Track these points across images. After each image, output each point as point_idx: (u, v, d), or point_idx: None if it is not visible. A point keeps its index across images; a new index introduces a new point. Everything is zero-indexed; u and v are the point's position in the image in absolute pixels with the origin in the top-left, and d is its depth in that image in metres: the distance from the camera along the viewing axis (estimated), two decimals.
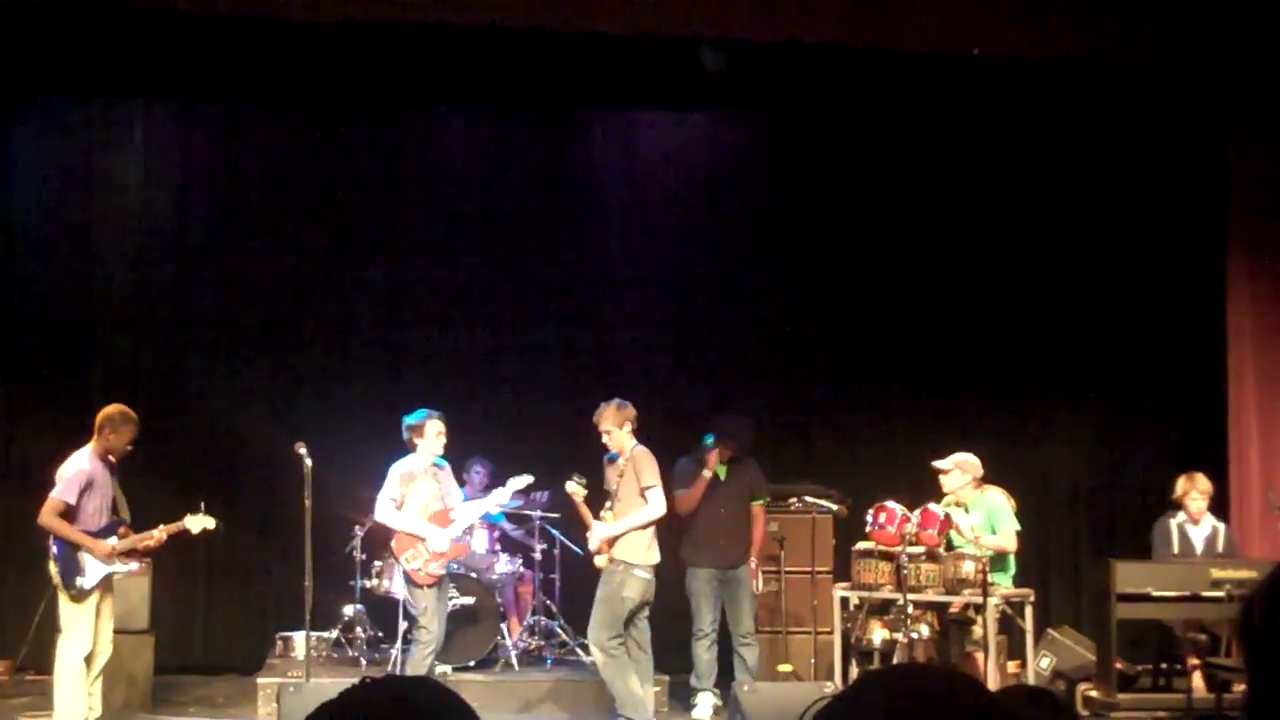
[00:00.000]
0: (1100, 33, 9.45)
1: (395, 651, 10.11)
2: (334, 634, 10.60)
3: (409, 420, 9.04)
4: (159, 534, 8.58)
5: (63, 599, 8.36)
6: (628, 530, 8.77)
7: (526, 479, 9.35)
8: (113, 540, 8.42)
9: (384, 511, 9.00)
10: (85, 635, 8.36)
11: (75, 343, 11.27)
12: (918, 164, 11.87)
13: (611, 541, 8.82)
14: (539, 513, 10.66)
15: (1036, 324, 12.00)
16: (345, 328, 11.76)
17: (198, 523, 8.71)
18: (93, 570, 8.34)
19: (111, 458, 8.53)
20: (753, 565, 9.83)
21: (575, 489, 8.94)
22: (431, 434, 8.98)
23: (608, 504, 8.92)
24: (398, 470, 8.99)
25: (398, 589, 10.25)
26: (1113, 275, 11.91)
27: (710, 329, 12.07)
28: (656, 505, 8.81)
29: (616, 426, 8.90)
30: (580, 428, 11.50)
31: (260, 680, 9.83)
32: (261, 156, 11.78)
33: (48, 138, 11.52)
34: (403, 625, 10.07)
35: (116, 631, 9.70)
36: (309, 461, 8.72)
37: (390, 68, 10.90)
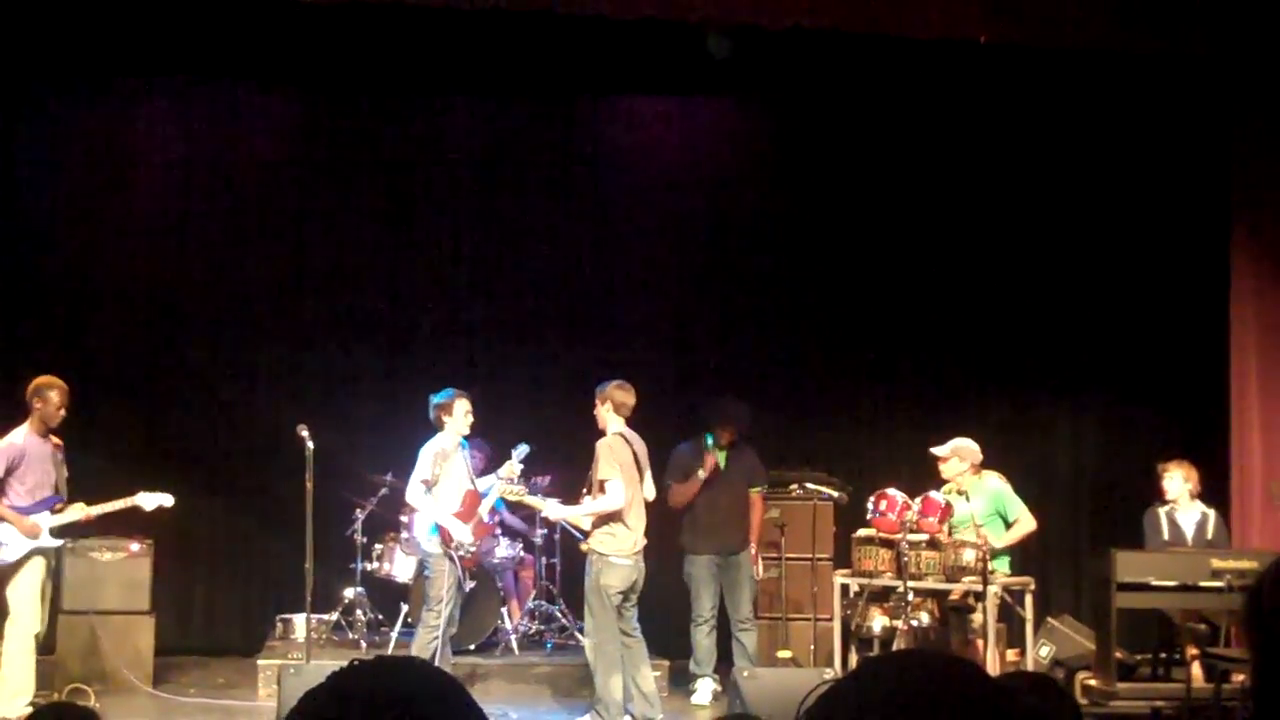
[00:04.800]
0: (1104, 22, 9.43)
1: (395, 634, 10.15)
2: (334, 616, 10.62)
3: (436, 399, 8.99)
4: (81, 515, 8.45)
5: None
6: (577, 517, 8.80)
7: (525, 447, 9.34)
8: (44, 515, 8.33)
9: (415, 495, 8.93)
10: (32, 614, 8.31)
11: (77, 323, 11.26)
12: (921, 152, 11.86)
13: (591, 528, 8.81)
14: (540, 496, 10.66)
15: (1038, 313, 11.99)
16: (348, 310, 11.76)
17: (152, 500, 8.64)
18: (15, 544, 8.26)
19: (53, 436, 8.44)
20: (752, 551, 9.85)
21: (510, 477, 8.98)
22: (460, 412, 8.95)
23: (585, 489, 8.90)
24: (430, 449, 8.91)
25: (399, 572, 10.29)
26: (1115, 264, 11.90)
27: (713, 315, 12.07)
28: (611, 498, 8.63)
29: (600, 403, 8.89)
30: (582, 412, 11.55)
31: (260, 662, 9.86)
32: (265, 138, 11.76)
33: (52, 119, 11.49)
34: (404, 608, 10.11)
35: (117, 612, 9.76)
36: (310, 444, 8.72)
37: (395, 51, 10.89)
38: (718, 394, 10.47)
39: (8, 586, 8.32)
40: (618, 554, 8.67)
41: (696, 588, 9.72)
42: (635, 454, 8.85)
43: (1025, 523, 9.40)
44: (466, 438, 9.16)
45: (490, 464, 9.88)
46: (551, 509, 9.05)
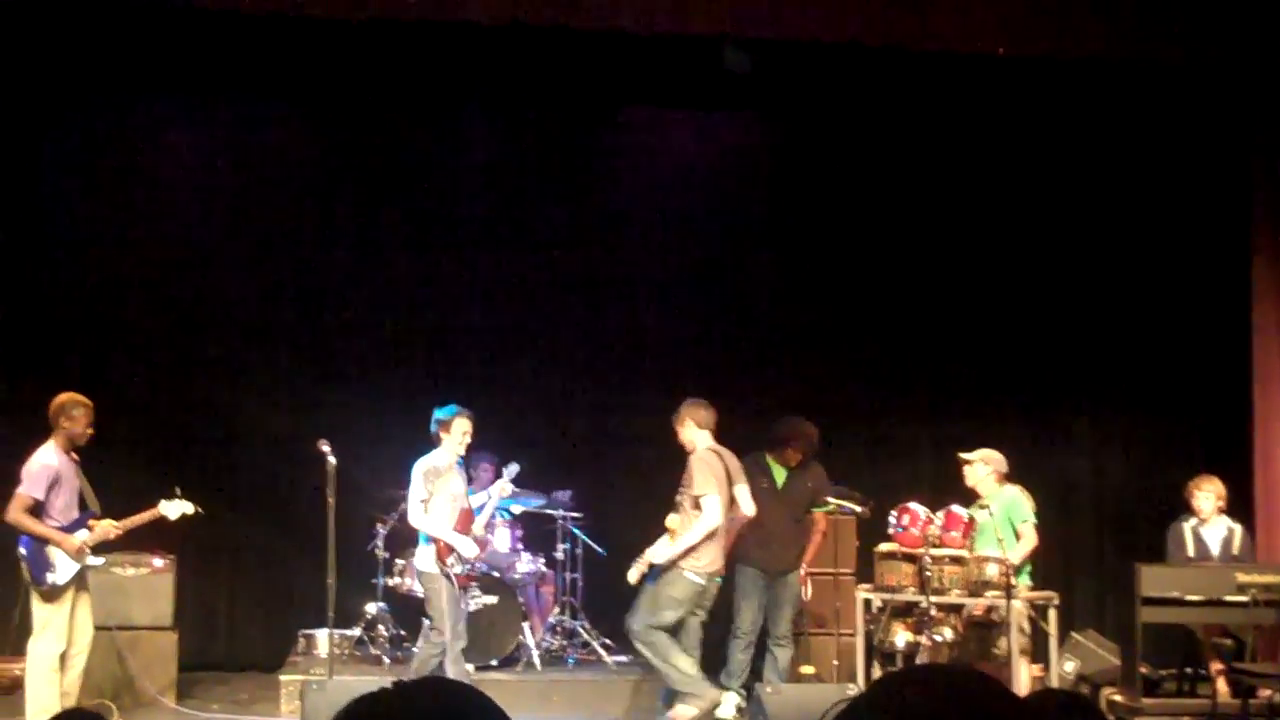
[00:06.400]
0: (1122, 32, 9.41)
1: (417, 650, 10.13)
2: (357, 632, 10.62)
3: (439, 414, 8.98)
4: (112, 531, 8.49)
5: (34, 597, 8.28)
6: (686, 549, 8.62)
7: (514, 467, 9.40)
8: (83, 534, 8.35)
9: (415, 515, 8.91)
10: (58, 633, 8.30)
11: (100, 339, 11.29)
12: (941, 165, 11.84)
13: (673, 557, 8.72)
14: (561, 512, 10.65)
15: (1060, 326, 11.96)
16: (370, 326, 11.79)
17: (175, 508, 8.63)
18: (64, 566, 8.28)
19: (73, 453, 8.46)
20: (803, 572, 9.78)
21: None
22: (458, 432, 8.92)
23: (672, 513, 8.84)
24: (421, 468, 8.91)
25: (419, 587, 10.27)
26: (1137, 277, 11.87)
27: (732, 330, 12.06)
28: (710, 515, 8.57)
29: (679, 424, 8.86)
30: (601, 424, 11.55)
31: (283, 677, 9.85)
32: (288, 155, 11.81)
33: (77, 137, 11.55)
34: (426, 624, 10.12)
35: (141, 627, 9.77)
36: (332, 459, 8.73)
37: (416, 67, 10.93)
38: (774, 413, 10.36)
39: (44, 606, 8.33)
40: (694, 570, 8.61)
41: (739, 601, 9.66)
42: (727, 469, 8.78)
43: (1027, 540, 9.36)
44: (472, 450, 9.18)
45: (497, 477, 9.87)
46: (658, 553, 8.78)
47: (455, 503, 9.01)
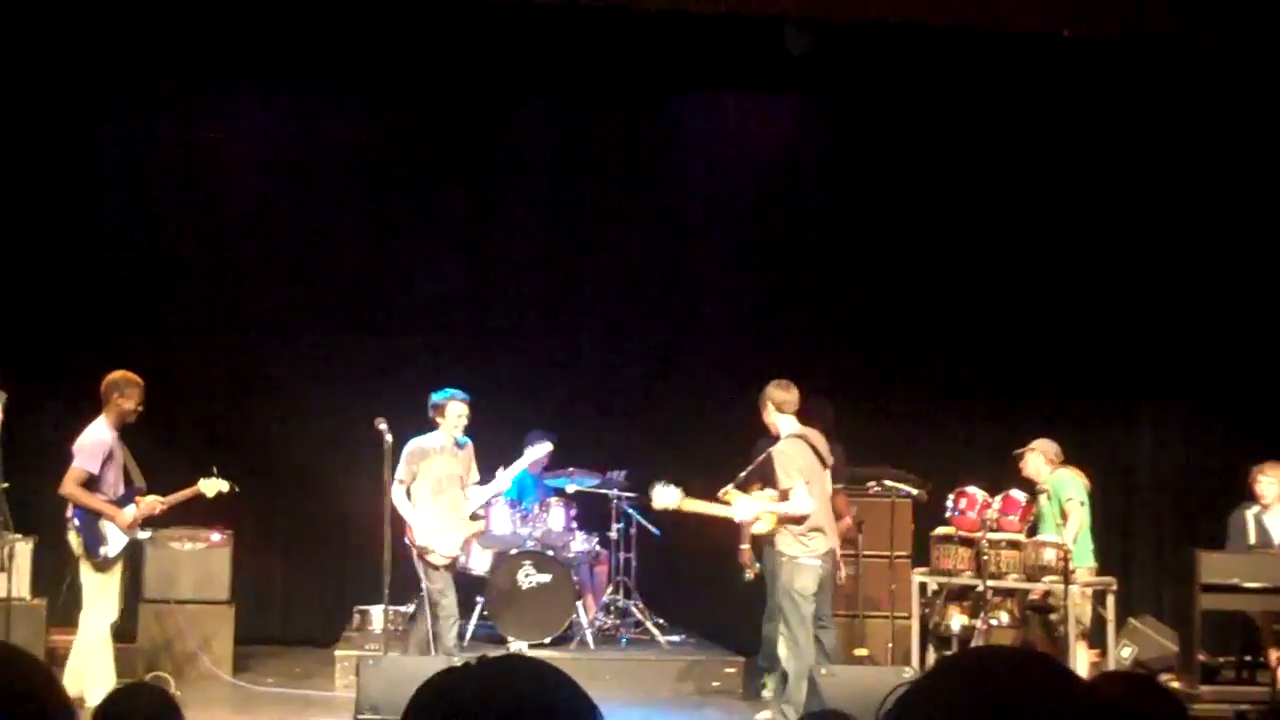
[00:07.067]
0: (1188, 14, 9.29)
1: (471, 626, 10.17)
2: (411, 608, 10.66)
3: (434, 397, 9.11)
4: (159, 506, 8.62)
5: (85, 569, 8.40)
6: (769, 512, 8.47)
7: (546, 446, 9.39)
8: (131, 509, 8.47)
9: (395, 495, 9.00)
10: (110, 604, 8.44)
11: (157, 315, 11.37)
12: (1004, 146, 11.74)
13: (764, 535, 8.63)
14: (616, 492, 10.65)
15: (1122, 312, 11.84)
16: (426, 303, 11.82)
17: (212, 486, 8.75)
18: (115, 539, 8.41)
19: (119, 427, 8.56)
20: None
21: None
22: (452, 415, 9.03)
23: (730, 485, 8.69)
24: (408, 449, 9.03)
25: (475, 564, 10.31)
26: (1201, 262, 11.73)
27: (790, 311, 12.02)
28: (797, 504, 8.39)
29: (762, 406, 8.68)
30: (657, 405, 11.52)
31: (338, 653, 9.94)
32: (344, 136, 11.82)
33: (134, 117, 11.61)
34: (479, 601, 10.18)
35: (197, 601, 9.87)
36: (389, 437, 8.77)
37: (475, 47, 10.93)
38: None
39: (96, 577, 8.44)
40: (808, 555, 8.48)
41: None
42: (817, 452, 8.61)
43: (1073, 518, 9.24)
44: (528, 428, 9.18)
45: (550, 457, 9.90)
46: (739, 510, 8.66)
47: (440, 485, 9.09)
